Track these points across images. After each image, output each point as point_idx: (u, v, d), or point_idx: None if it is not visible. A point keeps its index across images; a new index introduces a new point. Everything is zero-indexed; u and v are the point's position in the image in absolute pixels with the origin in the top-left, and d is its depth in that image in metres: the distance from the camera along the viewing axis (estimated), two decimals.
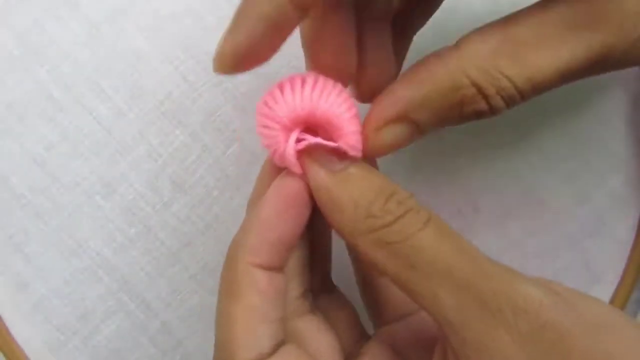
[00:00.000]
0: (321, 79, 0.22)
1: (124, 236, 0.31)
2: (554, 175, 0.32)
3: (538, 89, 0.22)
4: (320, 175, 0.22)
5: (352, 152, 0.22)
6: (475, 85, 0.21)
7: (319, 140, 0.22)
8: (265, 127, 0.22)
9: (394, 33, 0.25)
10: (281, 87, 0.22)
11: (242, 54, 0.21)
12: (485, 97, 0.21)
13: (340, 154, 0.22)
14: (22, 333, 0.31)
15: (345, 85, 0.23)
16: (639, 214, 0.33)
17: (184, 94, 0.31)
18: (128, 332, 0.32)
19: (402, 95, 0.22)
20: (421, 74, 0.22)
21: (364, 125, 0.23)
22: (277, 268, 0.22)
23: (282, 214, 0.22)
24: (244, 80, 0.31)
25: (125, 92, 0.31)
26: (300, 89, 0.22)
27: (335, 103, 0.22)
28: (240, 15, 0.21)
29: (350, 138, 0.22)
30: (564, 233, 0.33)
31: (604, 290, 0.33)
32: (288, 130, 0.22)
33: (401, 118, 0.22)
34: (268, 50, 0.21)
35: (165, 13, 0.31)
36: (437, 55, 0.22)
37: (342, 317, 0.26)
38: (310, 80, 0.22)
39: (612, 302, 0.33)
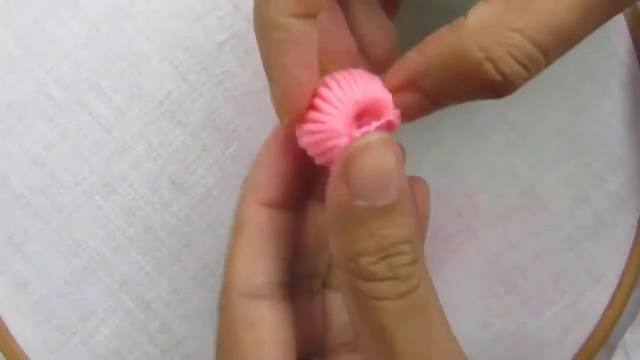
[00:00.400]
0: (354, 71, 0.22)
1: (124, 236, 0.31)
2: (554, 176, 0.32)
3: (561, 38, 0.19)
4: (341, 197, 0.19)
5: (397, 123, 0.21)
6: (482, 49, 0.19)
7: (378, 124, 0.21)
8: (322, 126, 0.21)
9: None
10: (328, 85, 0.22)
11: (297, 99, 0.21)
12: (495, 62, 0.19)
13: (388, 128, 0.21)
14: (22, 333, 0.31)
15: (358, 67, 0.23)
16: (638, 215, 0.33)
17: (184, 94, 0.31)
18: (128, 332, 0.32)
19: (410, 62, 0.21)
20: (432, 43, 0.21)
21: None
22: (277, 205, 0.22)
23: (279, 152, 0.22)
24: (244, 80, 0.31)
25: (125, 92, 0.31)
26: (348, 84, 0.21)
27: (376, 88, 0.22)
28: (275, 70, 0.21)
29: (393, 114, 0.22)
30: (563, 234, 0.33)
31: (604, 291, 0.33)
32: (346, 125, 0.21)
33: (409, 85, 0.21)
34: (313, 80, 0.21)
35: (165, 13, 0.31)
36: (450, 25, 0.21)
37: (337, 319, 0.25)
38: (348, 75, 0.22)
39: (612, 302, 0.33)
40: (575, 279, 0.33)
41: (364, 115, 0.21)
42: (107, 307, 0.32)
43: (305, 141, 0.21)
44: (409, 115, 0.21)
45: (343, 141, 0.20)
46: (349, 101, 0.21)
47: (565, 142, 0.32)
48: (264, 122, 0.31)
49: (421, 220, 0.25)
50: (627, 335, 0.33)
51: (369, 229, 0.19)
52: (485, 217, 0.32)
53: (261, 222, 0.22)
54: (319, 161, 0.21)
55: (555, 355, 0.33)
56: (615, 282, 0.33)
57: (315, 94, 0.21)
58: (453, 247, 0.32)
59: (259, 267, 0.22)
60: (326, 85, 0.22)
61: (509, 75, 0.19)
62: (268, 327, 0.22)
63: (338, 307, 0.26)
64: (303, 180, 0.23)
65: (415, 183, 0.25)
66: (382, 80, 0.22)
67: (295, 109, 0.21)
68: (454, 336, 0.20)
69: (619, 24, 0.32)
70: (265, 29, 0.20)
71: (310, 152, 0.21)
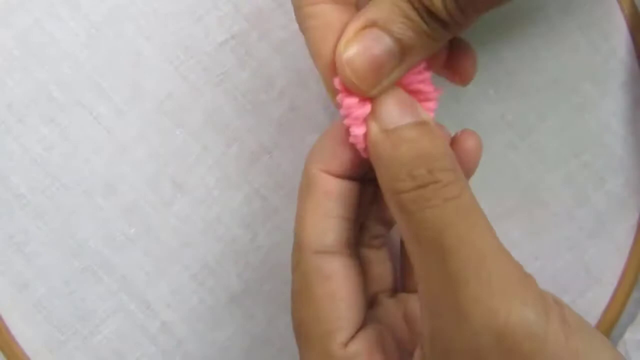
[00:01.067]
0: None
1: (124, 236, 0.31)
2: (554, 176, 0.32)
3: None
4: (373, 130, 0.22)
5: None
6: None
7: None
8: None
9: None
10: None
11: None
12: None
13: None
14: (22, 333, 0.31)
15: None
16: (638, 215, 0.33)
17: (184, 94, 0.31)
18: (128, 332, 0.32)
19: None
20: None
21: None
22: (341, 175, 0.24)
23: (341, 133, 0.24)
24: (244, 80, 0.31)
25: (125, 92, 0.31)
26: None
27: None
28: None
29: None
30: (563, 234, 0.33)
31: (603, 291, 0.33)
32: None
33: (367, 25, 0.22)
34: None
35: (165, 13, 0.31)
36: None
37: (376, 271, 0.27)
38: None
39: (611, 302, 0.33)
40: (575, 279, 0.33)
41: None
42: (107, 307, 0.32)
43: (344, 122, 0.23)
44: (377, 60, 0.22)
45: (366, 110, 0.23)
46: None
47: (565, 142, 0.32)
48: (264, 122, 0.31)
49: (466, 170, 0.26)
50: (627, 335, 0.33)
51: (406, 143, 0.21)
52: None
53: (328, 187, 0.24)
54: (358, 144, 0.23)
55: None
56: (615, 282, 0.33)
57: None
58: None
59: (328, 226, 0.24)
60: None
61: None
62: (340, 281, 0.23)
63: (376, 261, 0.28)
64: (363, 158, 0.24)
65: (465, 134, 0.26)
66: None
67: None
68: (501, 243, 0.21)
69: (619, 24, 0.32)
70: (298, 18, 0.23)
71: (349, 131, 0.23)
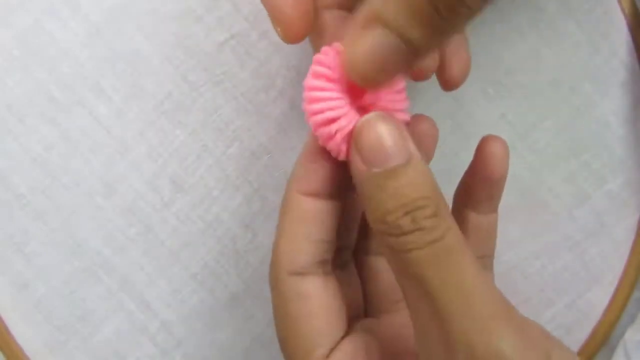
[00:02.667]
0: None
1: (124, 236, 0.31)
2: (554, 176, 0.32)
3: None
4: (357, 165, 0.22)
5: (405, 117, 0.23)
6: None
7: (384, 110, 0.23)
8: (326, 94, 0.22)
9: None
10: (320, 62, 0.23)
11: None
12: None
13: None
14: (22, 333, 0.31)
15: None
16: (638, 215, 0.33)
17: (184, 94, 0.31)
18: (128, 332, 0.32)
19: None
20: None
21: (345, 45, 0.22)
22: (317, 195, 0.24)
23: (316, 150, 0.24)
24: (244, 80, 0.31)
25: (125, 92, 0.31)
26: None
27: None
28: None
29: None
30: (563, 234, 0.33)
31: (603, 291, 0.33)
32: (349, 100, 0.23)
33: (372, 21, 0.20)
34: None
35: (165, 13, 0.31)
36: None
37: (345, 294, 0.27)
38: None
39: (611, 302, 0.33)
40: (575, 279, 0.33)
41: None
42: (107, 307, 0.32)
43: (309, 112, 0.23)
44: (381, 57, 0.21)
45: (343, 123, 0.22)
46: (340, 80, 0.22)
47: (565, 142, 0.32)
48: (264, 122, 0.31)
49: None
50: (627, 335, 0.33)
51: (388, 190, 0.21)
52: None
53: (302, 210, 0.24)
54: (323, 142, 0.23)
55: None
56: (615, 282, 0.33)
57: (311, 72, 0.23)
58: None
59: (302, 248, 0.24)
60: (321, 60, 0.23)
61: None
62: (314, 300, 0.24)
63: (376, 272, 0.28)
64: (340, 174, 0.24)
65: (420, 120, 0.26)
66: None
67: (290, 24, 0.23)
68: (490, 279, 0.22)
69: (619, 24, 0.32)
70: None
71: (315, 122, 0.23)
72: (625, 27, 0.32)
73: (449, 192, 0.32)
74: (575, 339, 0.33)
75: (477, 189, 0.27)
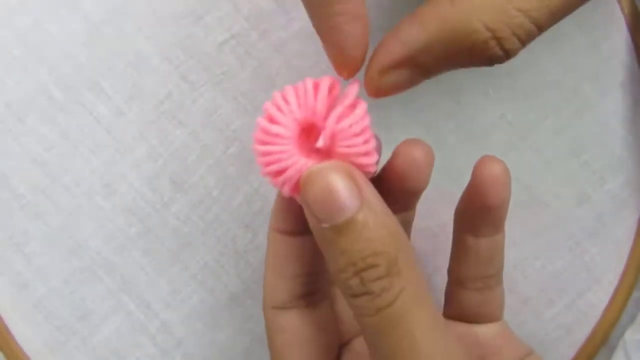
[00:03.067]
0: (307, 82, 0.22)
1: (124, 236, 0.31)
2: (554, 176, 0.32)
3: (555, 15, 0.21)
4: (310, 221, 0.21)
5: (370, 172, 0.22)
6: (489, 29, 0.20)
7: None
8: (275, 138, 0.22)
9: None
10: (284, 96, 0.22)
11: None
12: (500, 40, 0.20)
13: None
14: (22, 333, 0.31)
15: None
16: (638, 215, 0.33)
17: (184, 94, 0.31)
18: (128, 332, 0.32)
19: (409, 37, 0.21)
20: (430, 15, 0.21)
21: (368, 67, 0.23)
22: (293, 232, 0.24)
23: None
24: (244, 80, 0.31)
25: (125, 92, 0.31)
26: (313, 97, 0.22)
27: (351, 124, 0.21)
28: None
29: (365, 160, 0.22)
30: (563, 234, 0.33)
31: (603, 291, 0.33)
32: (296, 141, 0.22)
33: (407, 62, 0.22)
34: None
35: (165, 13, 0.31)
36: None
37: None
38: (324, 87, 0.22)
39: (611, 302, 0.33)
40: (575, 279, 0.33)
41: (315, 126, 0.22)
42: (107, 307, 0.32)
43: (258, 162, 0.22)
44: (403, 87, 0.22)
45: (290, 173, 0.21)
46: (293, 121, 0.21)
47: (565, 142, 0.32)
48: None
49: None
50: (627, 335, 0.33)
51: (338, 246, 0.20)
52: None
53: (278, 247, 0.25)
54: (275, 185, 0.22)
55: (555, 355, 0.33)
56: (615, 282, 0.33)
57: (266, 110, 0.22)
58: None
59: (280, 284, 0.25)
60: (274, 103, 0.22)
61: (510, 50, 0.21)
62: (291, 334, 0.25)
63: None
64: None
65: (412, 147, 0.25)
66: (373, 57, 0.23)
67: (352, 63, 0.22)
68: (448, 337, 0.21)
69: (619, 24, 0.32)
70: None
71: (264, 173, 0.22)
72: (625, 27, 0.32)
73: (450, 195, 0.32)
74: (575, 339, 0.33)
75: (476, 215, 0.26)
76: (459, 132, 0.32)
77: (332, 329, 0.27)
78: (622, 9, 0.32)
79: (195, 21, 0.31)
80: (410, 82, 0.22)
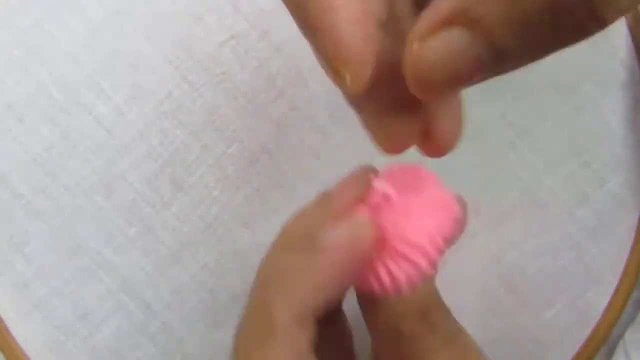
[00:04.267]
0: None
1: (124, 236, 0.31)
2: (554, 176, 0.32)
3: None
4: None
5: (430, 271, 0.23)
6: None
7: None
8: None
9: None
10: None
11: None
12: None
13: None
14: (22, 333, 0.31)
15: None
16: (638, 215, 0.33)
17: (184, 94, 0.31)
18: (128, 332, 0.32)
19: None
20: None
21: (408, 39, 0.16)
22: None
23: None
24: (244, 80, 0.31)
25: (125, 92, 0.31)
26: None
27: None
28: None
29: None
30: (563, 234, 0.33)
31: (604, 291, 0.33)
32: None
33: (455, 17, 0.15)
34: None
35: (165, 13, 0.31)
36: None
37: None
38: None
39: (611, 302, 0.33)
40: (575, 279, 0.33)
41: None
42: (107, 307, 0.32)
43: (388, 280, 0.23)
44: (453, 64, 0.15)
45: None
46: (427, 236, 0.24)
47: (565, 142, 0.32)
48: (264, 122, 0.31)
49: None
50: (627, 335, 0.33)
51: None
52: (485, 217, 0.32)
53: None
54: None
55: (555, 355, 0.33)
56: (615, 282, 0.33)
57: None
58: (453, 247, 0.32)
59: None
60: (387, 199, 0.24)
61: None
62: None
63: None
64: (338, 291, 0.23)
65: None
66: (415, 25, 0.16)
67: (353, 56, 0.17)
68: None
69: (619, 24, 0.32)
70: None
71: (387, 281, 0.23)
72: (625, 27, 0.32)
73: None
74: (575, 339, 0.33)
75: None
76: None
77: None
78: None
79: (195, 21, 0.31)
80: (470, 64, 0.15)
